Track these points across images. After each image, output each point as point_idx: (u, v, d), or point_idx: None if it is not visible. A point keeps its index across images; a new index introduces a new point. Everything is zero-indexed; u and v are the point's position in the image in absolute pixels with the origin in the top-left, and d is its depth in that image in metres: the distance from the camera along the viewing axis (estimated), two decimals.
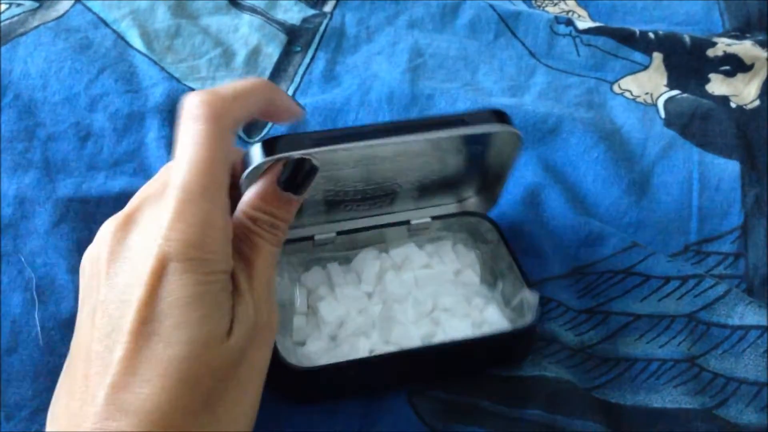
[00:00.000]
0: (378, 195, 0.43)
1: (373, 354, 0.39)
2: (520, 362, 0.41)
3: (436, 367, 0.40)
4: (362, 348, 0.39)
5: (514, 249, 0.43)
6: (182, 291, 0.28)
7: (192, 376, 0.28)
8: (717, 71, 0.56)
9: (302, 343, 0.40)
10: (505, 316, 0.41)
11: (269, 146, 0.33)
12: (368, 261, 0.42)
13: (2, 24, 0.53)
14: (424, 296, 0.41)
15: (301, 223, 0.43)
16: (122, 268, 0.30)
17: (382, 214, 0.44)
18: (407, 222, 0.44)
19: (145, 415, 0.27)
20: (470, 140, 0.40)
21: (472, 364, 0.41)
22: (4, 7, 0.54)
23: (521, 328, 0.40)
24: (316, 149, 0.34)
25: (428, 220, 0.44)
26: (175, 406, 0.27)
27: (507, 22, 0.58)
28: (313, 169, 0.34)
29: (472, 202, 0.45)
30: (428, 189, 0.44)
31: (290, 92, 0.53)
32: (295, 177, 0.33)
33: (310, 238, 0.42)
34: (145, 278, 0.28)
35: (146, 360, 0.27)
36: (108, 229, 0.31)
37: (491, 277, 0.44)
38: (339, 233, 0.43)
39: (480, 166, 0.43)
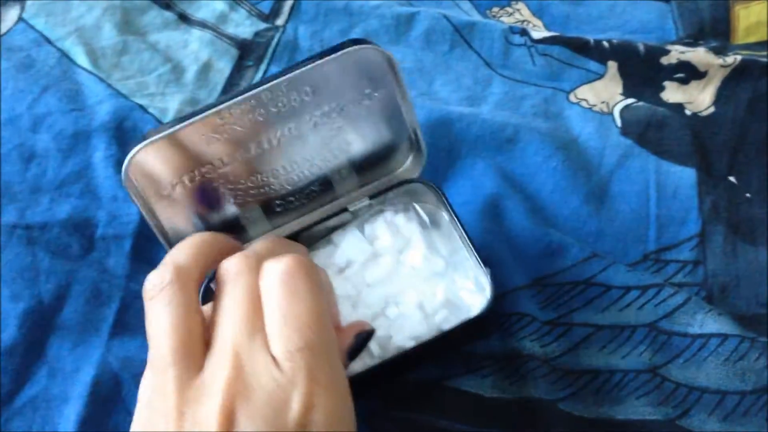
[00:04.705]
0: (312, 186, 0.42)
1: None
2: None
3: (398, 369, 0.40)
4: None
5: (454, 212, 0.42)
6: None
7: None
8: (671, 79, 0.56)
9: None
10: (456, 292, 0.41)
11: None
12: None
13: None
14: (374, 294, 0.41)
15: (247, 237, 0.42)
16: None
17: (327, 203, 0.43)
18: (345, 209, 0.43)
19: None
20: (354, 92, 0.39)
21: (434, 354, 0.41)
22: None
23: (480, 313, 0.39)
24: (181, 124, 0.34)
25: (366, 201, 0.43)
26: None
27: (462, 33, 0.57)
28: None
29: (408, 165, 0.44)
30: (363, 166, 0.43)
31: None
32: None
33: None
34: None
35: None
36: None
37: (437, 243, 0.43)
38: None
39: (392, 125, 0.42)
